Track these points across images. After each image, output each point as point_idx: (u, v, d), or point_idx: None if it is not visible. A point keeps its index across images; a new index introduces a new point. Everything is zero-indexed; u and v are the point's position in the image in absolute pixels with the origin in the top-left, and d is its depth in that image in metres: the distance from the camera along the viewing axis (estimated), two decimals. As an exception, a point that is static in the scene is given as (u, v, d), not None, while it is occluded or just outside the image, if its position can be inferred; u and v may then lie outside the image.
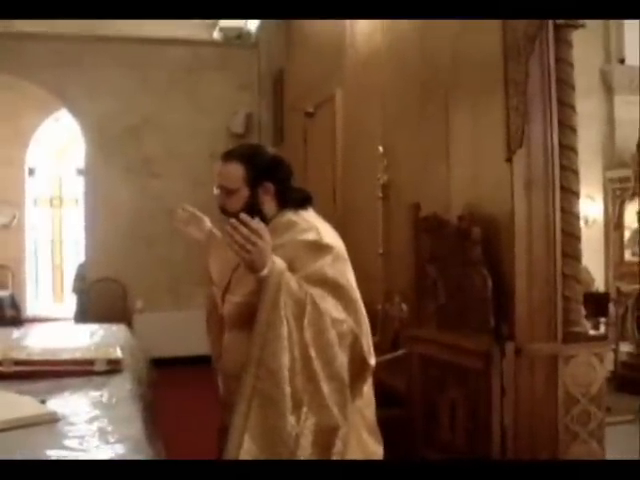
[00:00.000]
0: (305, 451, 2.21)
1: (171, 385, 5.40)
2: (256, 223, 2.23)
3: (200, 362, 8.22)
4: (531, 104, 3.73)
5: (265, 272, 2.25)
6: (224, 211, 2.57)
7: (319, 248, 2.42)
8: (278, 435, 2.19)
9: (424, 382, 4.42)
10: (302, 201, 2.63)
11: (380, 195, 5.33)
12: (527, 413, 3.76)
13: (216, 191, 2.60)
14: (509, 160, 3.82)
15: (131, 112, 9.12)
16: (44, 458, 1.77)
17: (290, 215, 2.55)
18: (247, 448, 2.13)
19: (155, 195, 9.09)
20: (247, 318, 2.31)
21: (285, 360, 2.23)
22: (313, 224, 2.51)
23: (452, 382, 4.10)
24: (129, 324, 6.93)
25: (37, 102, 11.36)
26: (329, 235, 2.52)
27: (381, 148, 5.33)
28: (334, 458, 2.25)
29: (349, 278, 2.47)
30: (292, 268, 2.36)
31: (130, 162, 9.17)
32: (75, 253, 13.44)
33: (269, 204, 2.57)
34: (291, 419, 2.20)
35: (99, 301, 8.97)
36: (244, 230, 2.19)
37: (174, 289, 9.09)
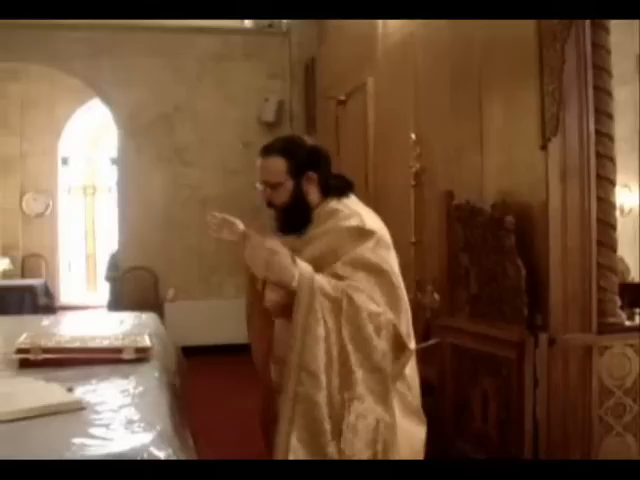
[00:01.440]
0: (352, 447, 2.23)
1: (202, 373, 5.41)
2: (272, 242, 2.28)
3: (230, 351, 8.30)
4: (567, 90, 3.65)
5: (294, 284, 2.29)
6: (270, 205, 2.62)
7: (361, 234, 2.44)
8: (324, 436, 2.21)
9: (456, 372, 4.38)
10: (344, 188, 2.66)
11: (412, 183, 5.28)
12: (560, 405, 3.70)
13: (259, 186, 2.62)
14: (544, 147, 3.76)
15: (163, 101, 9.14)
16: (69, 446, 1.76)
17: (333, 203, 2.58)
18: (295, 450, 2.16)
19: (187, 184, 9.11)
20: (289, 312, 2.33)
21: (323, 362, 2.25)
22: (356, 210, 2.54)
23: (484, 372, 4.06)
24: (161, 313, 6.96)
25: (70, 91, 11.44)
26: (372, 221, 2.54)
27: (413, 136, 5.27)
28: (379, 448, 2.28)
29: (391, 264, 2.50)
30: (336, 254, 2.41)
31: (162, 151, 9.20)
32: (108, 242, 13.53)
33: (313, 193, 2.60)
34: (335, 419, 2.22)
35: (131, 289, 9.02)
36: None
37: (205, 278, 9.11)
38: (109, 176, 13.41)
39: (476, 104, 4.49)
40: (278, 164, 2.55)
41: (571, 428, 3.67)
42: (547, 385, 3.73)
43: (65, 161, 13.29)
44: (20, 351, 2.73)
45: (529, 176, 3.94)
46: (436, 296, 4.87)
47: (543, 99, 3.74)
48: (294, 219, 2.61)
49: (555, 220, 3.71)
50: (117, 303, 9.19)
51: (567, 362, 3.70)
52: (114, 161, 11.40)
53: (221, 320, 8.61)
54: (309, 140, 2.73)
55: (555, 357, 3.73)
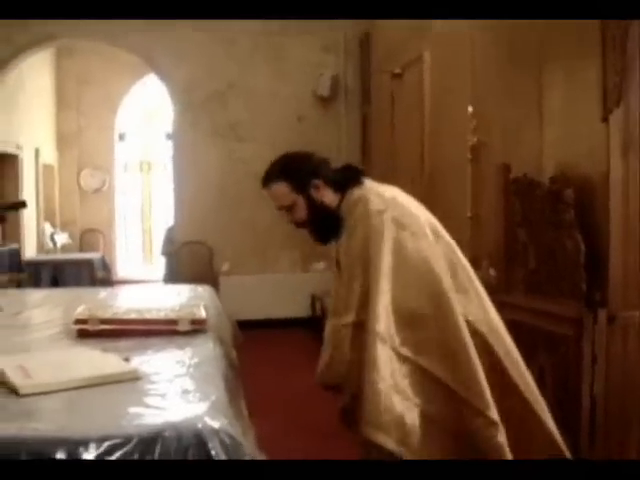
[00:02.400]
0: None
1: (256, 347, 5.44)
2: None
3: (285, 325, 8.34)
4: (630, 61, 3.54)
5: None
6: (297, 224, 2.70)
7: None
8: None
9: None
10: (355, 176, 2.65)
11: (469, 157, 5.20)
12: (618, 382, 3.63)
13: (279, 211, 2.70)
14: (605, 120, 3.65)
15: (217, 76, 9.16)
16: (125, 415, 1.77)
17: (354, 193, 2.58)
18: None
19: (241, 159, 9.13)
20: None
21: None
22: (363, 196, 2.54)
23: (541, 349, 4.00)
24: (216, 286, 7.01)
25: (126, 67, 11.54)
26: (378, 200, 2.51)
27: (470, 108, 5.18)
28: None
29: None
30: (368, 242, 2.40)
31: (216, 126, 9.23)
32: (164, 217, 13.68)
33: (328, 196, 2.63)
34: None
35: (187, 263, 9.11)
36: None
37: (260, 252, 9.15)
38: (165, 152, 13.52)
39: (535, 76, 4.39)
40: (282, 188, 2.61)
41: (629, 406, 3.61)
42: (605, 362, 3.67)
43: (121, 137, 13.44)
44: (78, 322, 2.77)
45: (589, 149, 3.84)
46: (492, 272, 4.80)
47: (605, 70, 3.63)
48: (325, 227, 2.65)
49: (616, 193, 3.62)
50: (173, 277, 9.29)
51: (626, 339, 3.63)
52: (169, 136, 11.49)
53: (276, 294, 8.66)
54: (295, 151, 2.76)
55: (614, 334, 3.66)
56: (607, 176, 3.64)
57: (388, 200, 2.51)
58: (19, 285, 8.30)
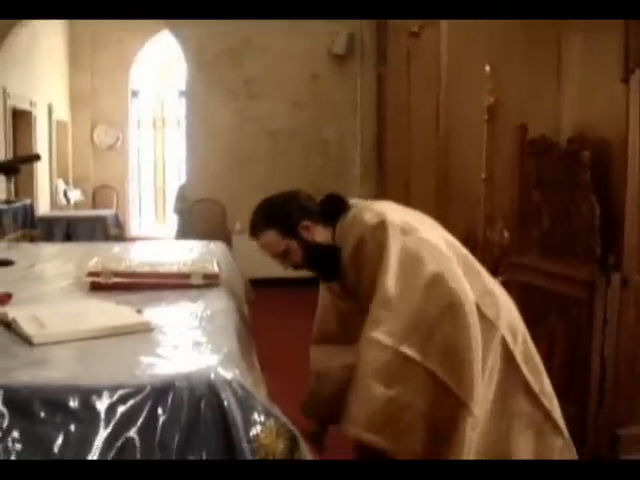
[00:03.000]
0: None
1: (268, 306, 5.45)
2: None
3: (297, 284, 8.35)
4: (653, 20, 3.49)
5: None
6: (295, 267, 2.59)
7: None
8: None
9: (523, 310, 4.30)
10: (340, 204, 2.57)
11: (485, 117, 5.15)
12: (629, 347, 3.64)
13: (275, 259, 2.59)
14: (625, 80, 3.61)
15: (231, 34, 9.07)
16: (138, 364, 1.78)
17: (346, 219, 2.50)
18: None
19: (255, 117, 9.09)
20: None
21: None
22: (366, 208, 2.48)
23: (552, 312, 3.99)
24: (228, 245, 7.01)
25: (139, 25, 11.43)
26: (369, 216, 2.44)
27: (488, 68, 5.12)
28: None
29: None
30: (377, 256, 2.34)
31: (230, 84, 9.17)
32: (177, 174, 13.66)
33: (319, 234, 2.53)
34: None
35: (199, 221, 9.11)
36: None
37: (272, 212, 9.13)
38: (178, 109, 13.47)
39: (554, 34, 4.33)
40: (271, 237, 2.51)
41: (638, 371, 3.61)
42: (617, 326, 3.66)
43: (135, 94, 13.38)
44: (91, 274, 2.77)
45: (608, 110, 3.80)
46: (506, 233, 4.79)
47: (627, 30, 3.57)
48: (325, 265, 2.56)
49: (634, 156, 3.59)
50: (185, 235, 9.30)
51: (638, 303, 3.63)
52: (183, 94, 11.43)
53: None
54: (279, 195, 2.63)
55: (627, 298, 3.65)
56: (625, 138, 3.61)
57: (381, 212, 2.42)
58: (32, 241, 8.32)
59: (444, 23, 6.21)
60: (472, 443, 2.24)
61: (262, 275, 7.38)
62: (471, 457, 2.23)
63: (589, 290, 3.70)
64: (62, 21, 11.95)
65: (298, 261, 2.54)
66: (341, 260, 2.48)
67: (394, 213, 2.45)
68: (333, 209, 2.56)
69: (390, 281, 2.26)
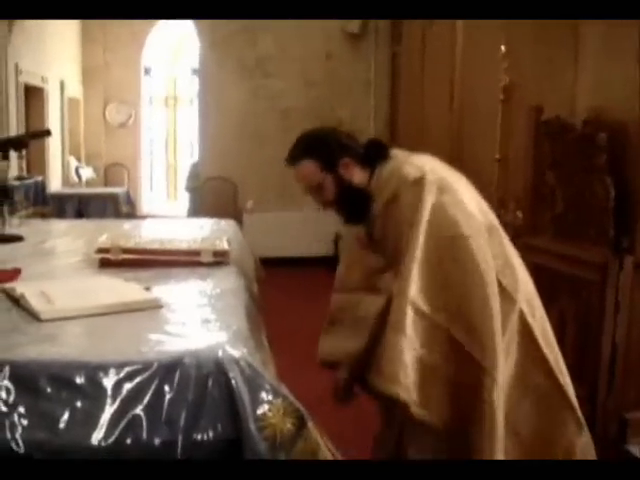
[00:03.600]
0: None
1: (279, 285, 5.44)
2: None
3: (308, 263, 8.35)
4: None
5: None
6: (326, 205, 2.56)
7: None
8: None
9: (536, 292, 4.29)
10: (382, 151, 2.54)
11: (500, 97, 5.09)
12: (641, 331, 3.61)
13: (306, 192, 2.57)
14: (643, 63, 3.56)
15: (245, 11, 9.01)
16: (147, 341, 1.77)
17: (385, 168, 2.47)
18: None
19: (268, 95, 9.06)
20: None
21: None
22: (408, 161, 2.44)
23: (564, 294, 3.97)
24: (240, 223, 7.01)
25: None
26: (416, 168, 2.42)
27: (503, 48, 5.07)
28: None
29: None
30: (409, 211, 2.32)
31: (243, 62, 9.14)
32: (189, 152, 13.66)
33: (357, 175, 2.50)
34: None
35: (211, 200, 9.12)
36: None
37: (284, 190, 9.11)
38: (190, 87, 13.44)
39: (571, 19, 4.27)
40: (309, 167, 2.49)
41: (650, 356, 3.59)
42: (629, 310, 3.64)
43: (147, 71, 13.34)
44: (100, 250, 2.76)
45: (625, 92, 3.75)
46: (519, 214, 4.75)
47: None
48: (354, 208, 2.53)
49: (650, 139, 3.54)
50: (196, 213, 9.31)
51: (651, 287, 3.59)
52: (195, 72, 11.39)
53: (299, 232, 8.66)
54: (325, 129, 2.65)
55: (639, 281, 3.62)
56: (641, 120, 3.57)
57: (423, 166, 2.40)
58: (43, 218, 8.33)
59: (459, 2, 6.15)
60: (499, 410, 2.24)
61: (272, 254, 7.39)
62: (498, 426, 2.22)
63: (601, 273, 3.67)
64: (75, -3, 11.90)
65: (329, 198, 2.52)
66: (372, 207, 2.47)
67: (434, 169, 2.43)
68: (374, 154, 2.53)
69: (421, 238, 2.26)
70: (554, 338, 2.49)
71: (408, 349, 2.18)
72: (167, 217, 11.25)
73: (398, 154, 2.53)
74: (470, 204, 2.39)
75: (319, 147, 2.51)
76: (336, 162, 2.48)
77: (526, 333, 2.37)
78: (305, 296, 6.98)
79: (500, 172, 5.11)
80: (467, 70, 6.08)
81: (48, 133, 3.67)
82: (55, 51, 10.84)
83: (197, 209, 9.49)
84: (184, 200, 11.37)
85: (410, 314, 2.20)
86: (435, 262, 2.26)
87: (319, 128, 2.64)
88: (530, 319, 2.39)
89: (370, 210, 2.48)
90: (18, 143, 3.54)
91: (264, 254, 4.41)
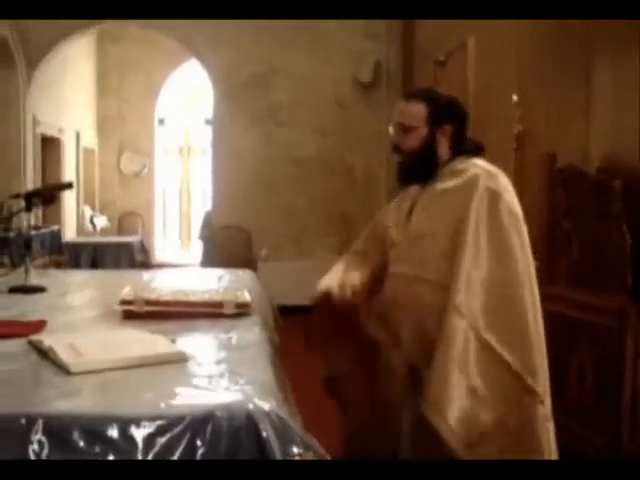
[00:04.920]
0: None
1: (292, 332, 5.42)
2: None
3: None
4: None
5: None
6: (397, 149, 2.60)
7: (493, 197, 2.42)
8: None
9: (552, 340, 4.27)
10: (474, 149, 2.62)
11: (514, 146, 5.15)
12: (662, 379, 3.59)
13: (391, 129, 2.62)
14: (655, 109, 3.61)
15: (257, 61, 9.17)
16: (174, 395, 1.78)
17: (462, 162, 2.56)
18: None
19: (280, 144, 9.14)
20: None
21: None
22: (485, 168, 2.51)
23: (582, 342, 3.96)
24: (254, 271, 7.02)
25: (167, 53, 11.61)
26: (503, 182, 2.50)
27: (515, 97, 5.13)
28: None
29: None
30: (465, 217, 2.38)
31: (256, 111, 9.24)
32: (202, 201, 13.74)
33: (444, 147, 2.58)
34: None
35: (225, 248, 9.14)
36: None
37: (298, 239, 9.16)
38: (204, 137, 13.58)
39: (583, 63, 4.34)
40: (419, 108, 2.55)
41: (672, 402, 3.57)
42: (649, 357, 3.62)
43: (161, 122, 13.50)
44: (124, 302, 2.78)
45: (638, 138, 3.79)
46: (535, 262, 4.76)
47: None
48: (418, 168, 2.59)
49: (665, 186, 3.57)
50: (210, 261, 9.33)
51: (671, 334, 3.58)
52: (209, 122, 11.52)
53: (313, 281, 8.63)
54: (455, 98, 2.71)
55: (658, 328, 3.61)
56: (656, 167, 3.60)
57: (502, 183, 2.48)
58: (59, 267, 8.38)
59: (471, 51, 6.23)
60: (551, 435, 2.25)
61: (287, 302, 7.38)
62: (553, 451, 2.25)
63: (620, 320, 3.66)
64: (92, 46, 12.14)
65: (410, 145, 2.57)
66: (428, 181, 2.56)
67: (510, 189, 2.52)
68: (467, 145, 2.62)
69: (486, 256, 2.35)
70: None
71: (459, 379, 2.21)
72: (181, 266, 11.29)
73: (480, 161, 2.59)
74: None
75: (440, 103, 2.59)
76: (441, 123, 2.56)
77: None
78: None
79: (514, 220, 5.13)
80: (480, 119, 6.13)
81: (70, 186, 3.73)
82: (71, 102, 11.01)
83: (210, 258, 9.52)
84: (197, 249, 11.41)
85: (465, 337, 2.24)
86: (496, 283, 2.32)
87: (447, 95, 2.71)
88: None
89: (426, 182, 2.57)
90: (47, 197, 3.60)
91: (278, 302, 4.42)
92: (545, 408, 2.30)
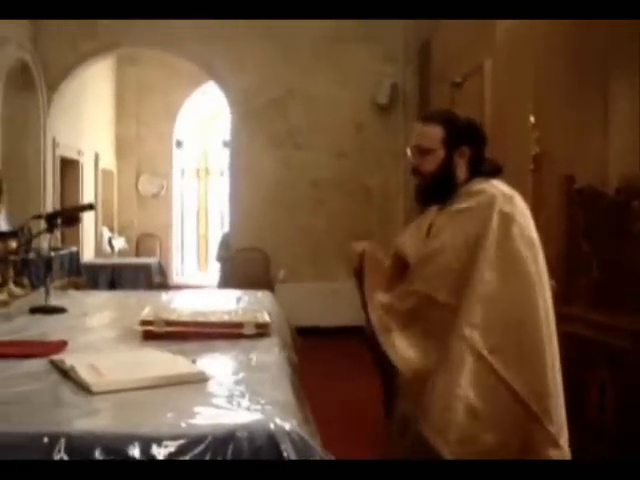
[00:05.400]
0: None
1: (310, 354, 5.43)
2: None
3: (341, 333, 8.32)
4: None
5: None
6: (416, 172, 2.61)
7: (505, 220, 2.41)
8: None
9: (571, 361, 4.26)
10: (493, 171, 2.61)
11: (531, 167, 5.15)
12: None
13: (409, 152, 2.63)
14: (674, 129, 3.61)
15: (276, 84, 9.22)
16: (195, 415, 1.79)
17: (480, 183, 2.55)
18: None
19: (298, 166, 9.19)
20: None
21: None
22: (502, 191, 2.49)
23: (602, 363, 3.94)
24: (272, 293, 7.04)
25: (186, 77, 11.71)
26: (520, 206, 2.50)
27: (532, 118, 5.14)
28: None
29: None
30: (480, 236, 2.38)
31: (274, 133, 9.29)
32: (220, 223, 13.80)
33: (462, 169, 2.58)
34: None
35: (242, 270, 9.16)
36: None
37: (315, 260, 9.17)
38: (221, 159, 13.67)
39: (601, 84, 4.35)
40: (436, 131, 2.55)
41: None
42: (670, 377, 3.60)
43: (179, 144, 13.60)
44: (144, 323, 2.80)
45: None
46: (552, 283, 4.74)
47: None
48: (436, 190, 2.60)
49: (684, 206, 3.56)
50: (228, 283, 9.35)
51: (692, 354, 3.56)
52: (226, 144, 11.60)
53: (331, 302, 8.65)
54: (472, 119, 2.71)
55: (680, 349, 3.59)
56: (675, 187, 3.59)
57: (516, 205, 2.47)
58: (77, 288, 8.42)
59: (488, 73, 6.25)
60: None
61: (304, 323, 7.39)
62: None
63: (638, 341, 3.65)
64: (111, 69, 12.28)
65: (427, 168, 2.58)
66: (446, 203, 2.55)
67: (525, 211, 2.51)
68: (485, 166, 2.61)
69: (494, 280, 2.33)
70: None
71: (461, 401, 2.20)
72: (198, 287, 11.33)
73: (498, 182, 2.58)
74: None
75: (455, 124, 2.59)
76: (458, 145, 2.55)
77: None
78: (337, 366, 6.95)
79: (533, 241, 5.12)
80: (497, 140, 6.13)
81: (91, 207, 3.77)
82: (90, 124, 11.12)
83: (228, 279, 9.54)
84: (215, 270, 11.45)
85: (469, 360, 2.23)
86: (506, 306, 2.32)
87: (468, 117, 2.71)
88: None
89: (445, 203, 2.57)
90: (71, 218, 3.63)
91: (296, 324, 4.43)
92: (560, 451, 2.28)
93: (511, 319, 2.33)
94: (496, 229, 2.37)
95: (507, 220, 2.39)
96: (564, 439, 2.32)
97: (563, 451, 2.30)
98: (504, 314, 2.32)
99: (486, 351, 2.26)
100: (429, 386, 2.30)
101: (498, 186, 2.53)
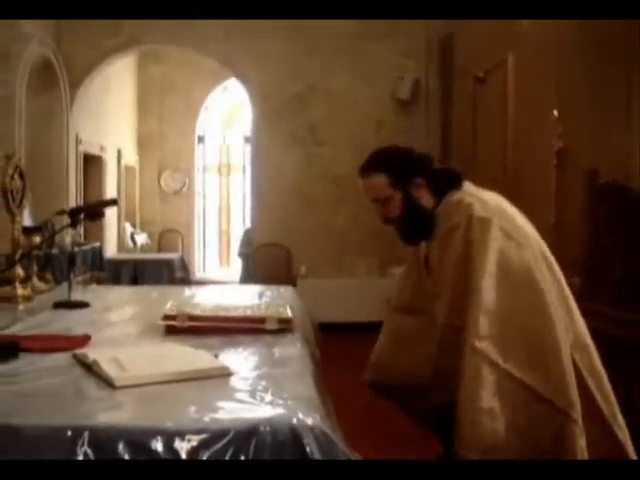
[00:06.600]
0: None
1: (331, 349, 5.43)
2: None
3: (362, 329, 8.31)
4: None
5: None
6: (386, 220, 2.60)
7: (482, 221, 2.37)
8: None
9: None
10: (454, 180, 2.57)
11: (554, 162, 5.12)
12: None
13: (371, 203, 2.62)
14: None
15: (297, 80, 9.22)
16: (218, 409, 1.79)
17: (451, 198, 2.51)
18: None
19: (320, 162, 9.18)
20: None
21: None
22: (469, 202, 2.44)
23: (626, 360, 3.90)
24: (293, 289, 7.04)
25: (208, 73, 11.74)
26: (485, 207, 2.44)
27: (556, 113, 5.10)
28: None
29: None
30: (465, 250, 2.35)
31: (295, 129, 9.29)
32: (241, 219, 13.82)
33: (425, 197, 2.55)
34: None
35: (264, 265, 9.17)
36: None
37: (337, 256, 9.17)
38: (243, 155, 13.68)
39: (624, 79, 4.31)
40: (380, 179, 2.53)
41: None
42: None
43: (201, 140, 13.64)
44: (167, 318, 2.81)
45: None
46: (576, 279, 4.71)
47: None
48: (415, 229, 2.58)
49: None
50: (249, 279, 9.38)
51: None
52: (248, 140, 11.61)
53: (352, 298, 8.64)
54: (401, 146, 2.67)
55: None
56: (701, 182, 3.55)
57: (493, 208, 2.43)
58: (100, 283, 8.47)
59: (511, 68, 6.21)
60: (584, 452, 2.22)
61: (326, 319, 7.38)
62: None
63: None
64: (133, 66, 12.33)
65: (394, 214, 2.55)
66: (433, 231, 2.51)
67: (503, 213, 2.45)
68: (447, 181, 2.57)
69: (491, 287, 2.28)
70: (611, 391, 2.46)
71: (487, 413, 2.18)
72: (220, 283, 11.35)
73: (470, 187, 2.55)
74: (537, 247, 2.43)
75: (394, 163, 2.56)
76: (408, 180, 2.52)
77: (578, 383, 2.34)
78: (358, 362, 6.93)
79: (556, 237, 5.09)
80: (520, 135, 6.12)
81: (114, 202, 3.79)
82: (113, 121, 11.18)
83: (250, 275, 9.56)
84: (237, 266, 11.47)
85: (486, 371, 2.21)
86: (506, 308, 2.28)
87: (396, 145, 2.67)
88: (581, 365, 2.39)
89: (431, 234, 2.52)
90: (95, 213, 3.64)
91: (318, 319, 4.43)
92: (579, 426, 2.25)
93: (515, 320, 2.29)
94: (478, 237, 2.34)
95: (485, 225, 2.35)
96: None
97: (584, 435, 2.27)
98: (507, 317, 2.28)
99: (501, 359, 2.23)
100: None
101: (473, 192, 2.50)
